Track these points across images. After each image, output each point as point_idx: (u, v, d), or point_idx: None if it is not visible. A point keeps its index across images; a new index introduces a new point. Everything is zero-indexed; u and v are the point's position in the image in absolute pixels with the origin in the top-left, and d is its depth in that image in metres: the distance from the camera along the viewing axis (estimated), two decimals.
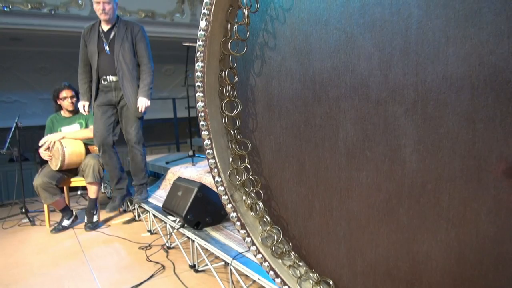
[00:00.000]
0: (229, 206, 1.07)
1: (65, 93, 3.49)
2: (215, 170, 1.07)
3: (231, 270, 1.85)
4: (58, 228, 3.32)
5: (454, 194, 0.77)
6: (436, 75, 0.75)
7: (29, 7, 4.94)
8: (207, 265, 2.18)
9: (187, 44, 4.12)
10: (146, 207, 3.20)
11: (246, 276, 1.73)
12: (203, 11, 0.97)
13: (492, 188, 0.72)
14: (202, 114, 1.05)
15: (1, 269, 2.53)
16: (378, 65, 0.83)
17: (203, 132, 1.05)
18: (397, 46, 0.80)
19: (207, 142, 1.04)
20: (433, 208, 0.81)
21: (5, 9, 4.81)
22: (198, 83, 1.03)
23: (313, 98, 0.98)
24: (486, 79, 0.69)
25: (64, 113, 3.58)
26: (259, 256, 1.06)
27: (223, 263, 2.10)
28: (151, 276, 2.23)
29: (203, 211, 2.37)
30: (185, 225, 2.41)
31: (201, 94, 1.03)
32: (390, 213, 0.88)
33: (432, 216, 0.81)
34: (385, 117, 0.84)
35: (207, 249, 2.12)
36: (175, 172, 3.67)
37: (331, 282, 1.06)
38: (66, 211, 3.40)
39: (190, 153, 4.06)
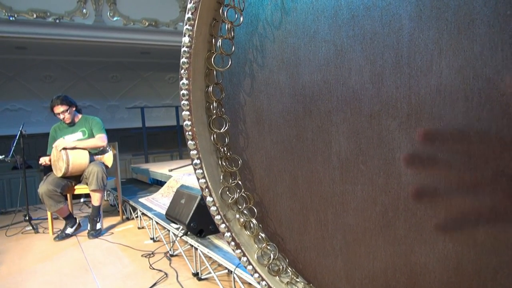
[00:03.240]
0: (222, 226, 1.05)
1: (56, 110, 3.40)
2: (206, 190, 1.04)
3: (234, 278, 1.85)
4: (62, 236, 3.34)
5: (450, 207, 0.76)
6: (429, 88, 0.74)
7: (34, 16, 5.00)
8: (210, 273, 2.18)
9: None
10: (149, 214, 3.20)
11: (249, 284, 1.73)
12: (185, 27, 0.93)
13: (488, 200, 0.71)
14: (190, 133, 1.02)
15: (5, 276, 2.54)
16: (370, 78, 0.82)
17: (191, 152, 1.03)
18: (389, 59, 0.79)
19: (196, 161, 1.02)
20: (430, 221, 0.80)
21: (11, 18, 4.87)
22: (183, 101, 0.99)
23: (304, 112, 0.96)
24: (480, 91, 0.68)
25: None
26: (256, 275, 1.04)
27: (226, 271, 2.10)
28: (154, 284, 2.23)
29: (206, 219, 2.36)
30: (188, 232, 2.41)
31: (188, 113, 1.00)
32: (387, 226, 0.87)
33: (429, 228, 0.81)
34: (379, 130, 0.83)
35: (210, 257, 2.11)
36: (178, 180, 3.67)
37: None
38: (69, 218, 3.43)
39: None
